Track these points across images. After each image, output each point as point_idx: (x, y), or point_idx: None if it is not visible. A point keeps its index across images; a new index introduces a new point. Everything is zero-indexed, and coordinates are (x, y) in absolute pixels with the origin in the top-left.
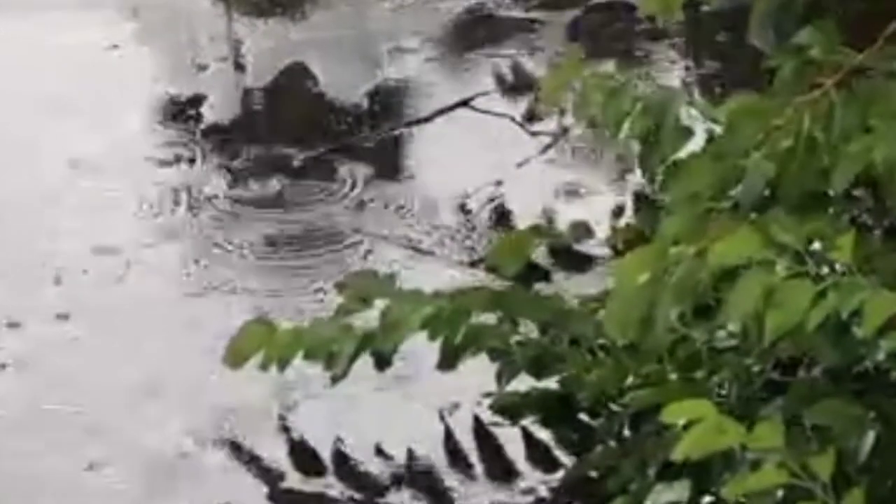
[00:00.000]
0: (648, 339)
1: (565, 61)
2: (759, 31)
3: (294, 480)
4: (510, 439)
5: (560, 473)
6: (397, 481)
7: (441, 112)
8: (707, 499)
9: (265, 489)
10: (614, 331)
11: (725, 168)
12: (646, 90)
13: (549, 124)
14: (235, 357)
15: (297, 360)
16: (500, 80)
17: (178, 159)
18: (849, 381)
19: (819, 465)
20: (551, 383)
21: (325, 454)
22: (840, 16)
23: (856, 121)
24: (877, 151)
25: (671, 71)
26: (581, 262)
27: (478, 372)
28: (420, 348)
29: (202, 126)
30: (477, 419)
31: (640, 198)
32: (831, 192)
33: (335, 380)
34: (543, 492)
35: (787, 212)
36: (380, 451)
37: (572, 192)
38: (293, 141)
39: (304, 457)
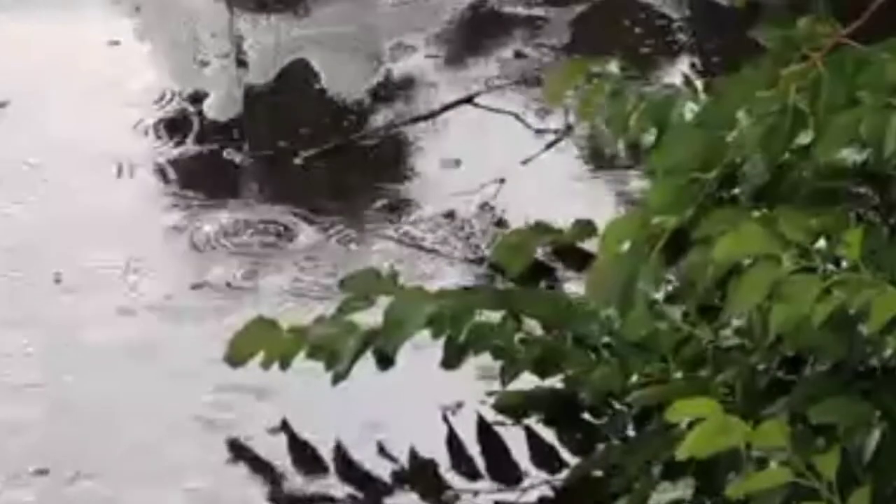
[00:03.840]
0: (628, 308)
1: (568, 64)
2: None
3: (296, 480)
4: (514, 438)
5: (564, 473)
6: (400, 480)
7: (444, 109)
8: (711, 498)
9: (266, 489)
10: (595, 298)
11: (711, 138)
12: (649, 89)
13: (555, 121)
14: (237, 355)
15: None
16: (503, 76)
17: (178, 157)
18: (854, 380)
19: (824, 463)
20: (555, 382)
21: (327, 453)
22: None
23: (842, 93)
24: (863, 123)
25: (676, 67)
26: (585, 261)
27: (481, 370)
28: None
29: (203, 123)
30: (480, 418)
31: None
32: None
33: (337, 379)
34: (547, 491)
35: (783, 201)
36: (382, 451)
37: (577, 190)
38: (295, 138)
39: (305, 456)
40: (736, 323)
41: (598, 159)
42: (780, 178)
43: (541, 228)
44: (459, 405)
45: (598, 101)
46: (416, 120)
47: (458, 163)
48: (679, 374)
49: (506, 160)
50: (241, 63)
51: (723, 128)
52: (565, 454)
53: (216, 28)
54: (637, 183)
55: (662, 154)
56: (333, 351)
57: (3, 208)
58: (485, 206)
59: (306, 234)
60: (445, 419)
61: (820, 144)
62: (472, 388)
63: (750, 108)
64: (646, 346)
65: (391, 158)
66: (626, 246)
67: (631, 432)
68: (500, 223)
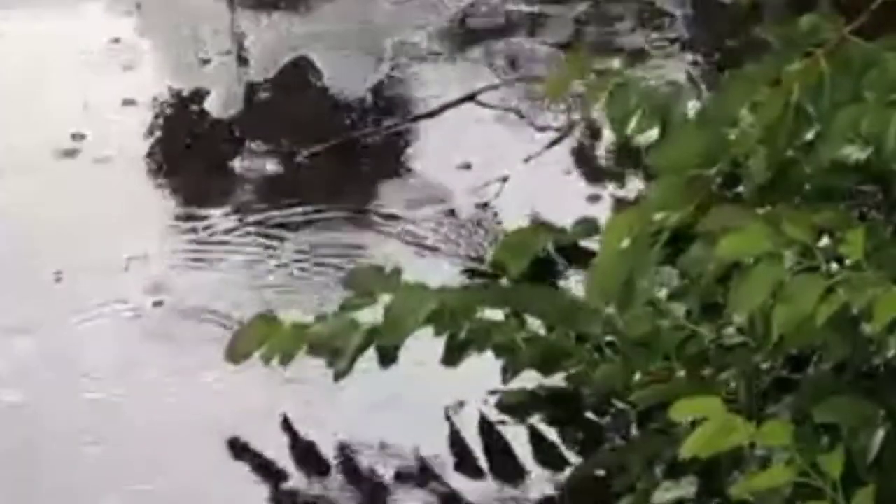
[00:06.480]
0: (628, 306)
1: (570, 58)
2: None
3: (297, 479)
4: (517, 437)
5: (567, 472)
6: (403, 480)
7: (447, 107)
8: (714, 497)
9: (267, 489)
10: (595, 296)
11: (713, 135)
12: (651, 86)
13: (557, 118)
14: (238, 351)
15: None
16: (506, 74)
17: (178, 154)
18: (858, 379)
19: (828, 463)
20: (558, 381)
21: (329, 452)
22: None
23: (847, 90)
24: (865, 120)
25: (679, 65)
26: (588, 259)
27: (484, 367)
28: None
29: (204, 120)
30: (483, 417)
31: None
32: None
33: (339, 376)
34: (550, 490)
35: (785, 198)
36: (385, 449)
37: (579, 188)
38: (297, 136)
39: (307, 455)
40: (739, 321)
41: (599, 157)
42: (783, 176)
43: (543, 227)
44: (462, 404)
45: (600, 100)
46: (417, 118)
47: (460, 162)
48: (682, 373)
49: (508, 158)
50: (243, 60)
51: (725, 125)
52: (568, 453)
53: (217, 25)
54: (637, 181)
55: (664, 151)
56: (335, 348)
57: (4, 207)
58: (487, 204)
59: (307, 233)
60: (448, 418)
61: (824, 142)
62: (475, 386)
63: (753, 105)
64: (649, 345)
65: (393, 156)
66: (626, 243)
67: (634, 431)
68: (502, 222)
